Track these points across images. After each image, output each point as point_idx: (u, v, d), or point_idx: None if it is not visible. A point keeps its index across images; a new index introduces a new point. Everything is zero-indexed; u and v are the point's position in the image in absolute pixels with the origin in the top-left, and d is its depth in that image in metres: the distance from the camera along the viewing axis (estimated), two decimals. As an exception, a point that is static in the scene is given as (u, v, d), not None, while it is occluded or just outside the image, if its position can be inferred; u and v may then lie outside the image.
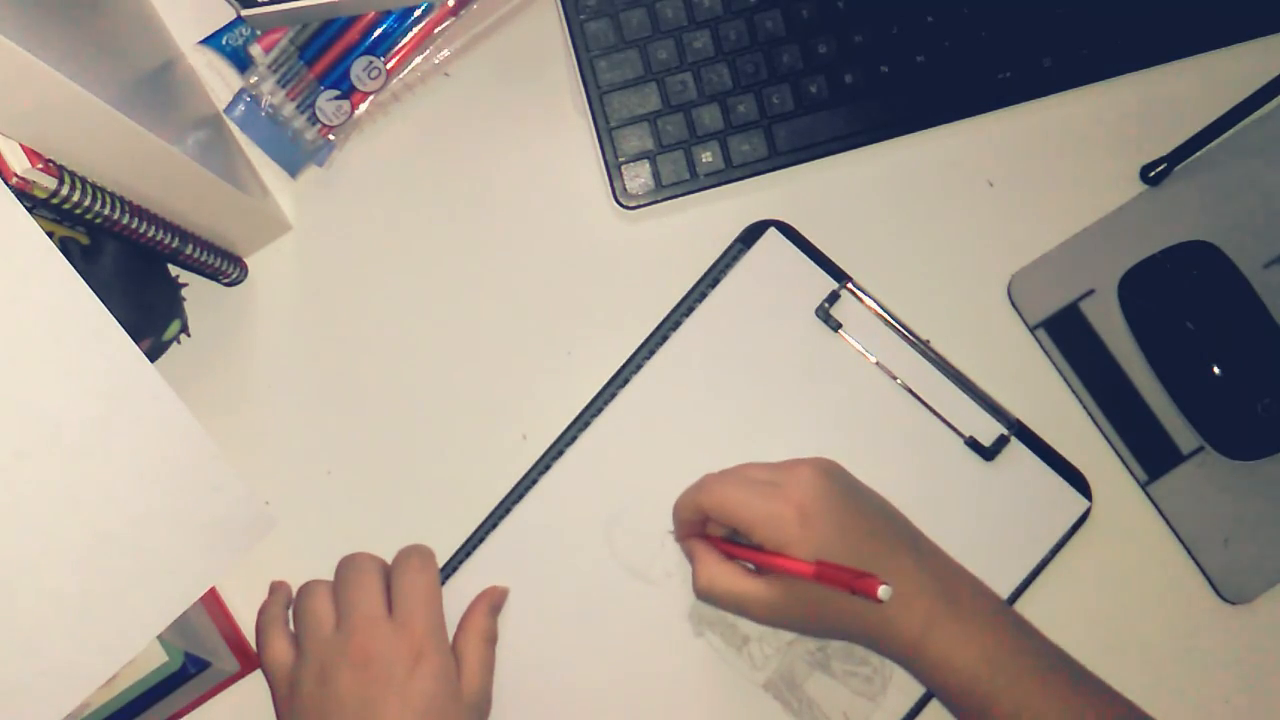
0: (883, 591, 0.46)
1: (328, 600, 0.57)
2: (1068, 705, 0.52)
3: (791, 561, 0.51)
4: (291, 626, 0.58)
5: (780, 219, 0.63)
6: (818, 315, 0.62)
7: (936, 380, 0.61)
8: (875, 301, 0.62)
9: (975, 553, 0.56)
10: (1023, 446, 0.60)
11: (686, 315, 0.62)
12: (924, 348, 0.61)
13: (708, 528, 0.57)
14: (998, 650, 0.52)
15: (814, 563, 0.50)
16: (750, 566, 0.55)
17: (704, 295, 0.62)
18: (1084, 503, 0.60)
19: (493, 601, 0.59)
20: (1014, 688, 0.52)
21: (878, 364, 0.61)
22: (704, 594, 0.55)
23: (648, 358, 0.62)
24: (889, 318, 0.61)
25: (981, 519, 0.60)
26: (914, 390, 0.61)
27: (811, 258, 0.62)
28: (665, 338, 0.62)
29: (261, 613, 0.59)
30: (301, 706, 0.55)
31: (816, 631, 0.57)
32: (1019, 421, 0.61)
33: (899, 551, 0.54)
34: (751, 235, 0.63)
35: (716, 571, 0.55)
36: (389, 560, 0.59)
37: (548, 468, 0.61)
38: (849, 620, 0.53)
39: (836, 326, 0.61)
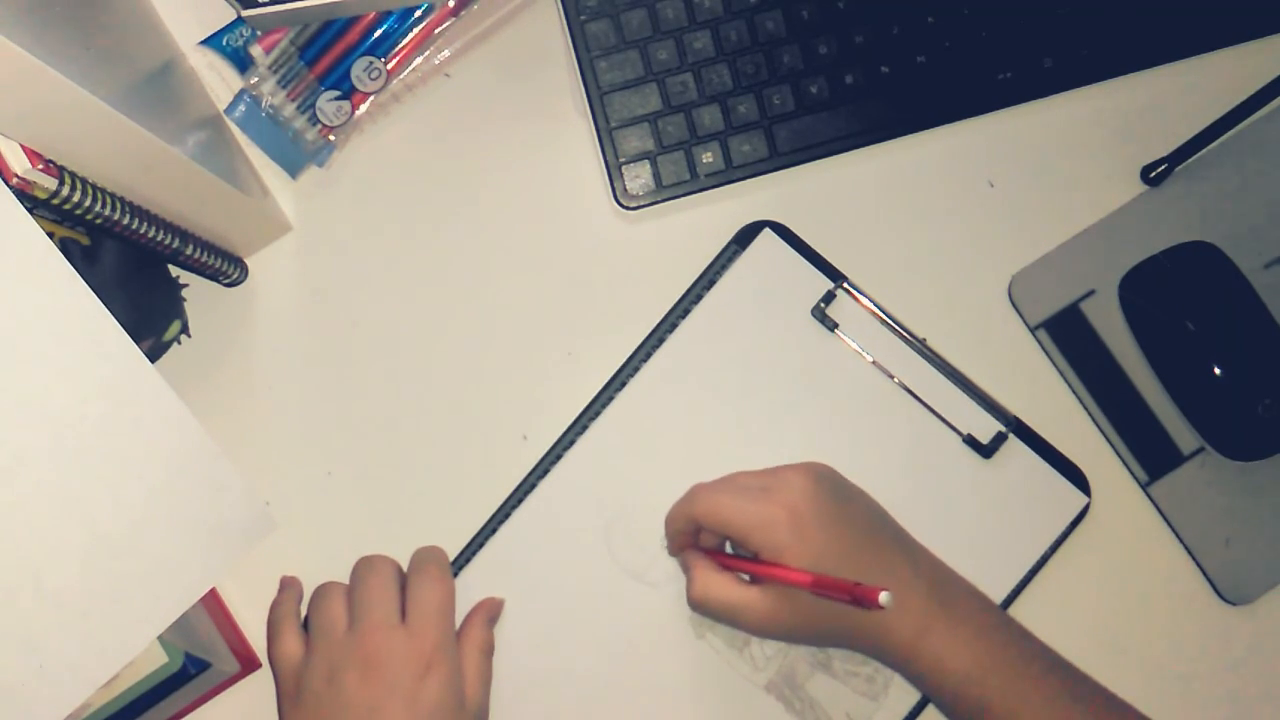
0: (884, 598, 0.46)
1: (342, 602, 0.57)
2: (1063, 709, 0.52)
3: (789, 571, 0.51)
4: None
5: (775, 219, 0.63)
6: (813, 315, 0.62)
7: (934, 378, 0.61)
8: (871, 300, 0.62)
9: (974, 550, 0.56)
10: (1021, 443, 0.60)
11: (682, 318, 0.62)
12: (921, 346, 0.61)
13: (700, 538, 0.57)
14: (993, 654, 0.52)
15: (811, 573, 0.50)
16: (745, 577, 0.55)
17: (699, 297, 0.62)
18: (1083, 498, 0.60)
19: (489, 613, 0.59)
20: (1009, 691, 0.52)
21: (874, 363, 0.61)
22: (698, 605, 0.55)
23: (644, 361, 0.62)
24: (885, 317, 0.61)
25: (980, 516, 0.60)
26: (911, 389, 0.61)
27: (807, 258, 0.62)
28: (661, 340, 0.62)
29: (274, 608, 0.59)
30: (306, 705, 0.55)
31: (811, 640, 0.57)
32: (1017, 419, 0.61)
33: (893, 555, 0.54)
34: (746, 236, 0.63)
35: (710, 581, 0.54)
36: (401, 558, 0.59)
37: (546, 472, 0.61)
38: (844, 627, 0.53)
39: (833, 326, 0.61)
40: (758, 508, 0.53)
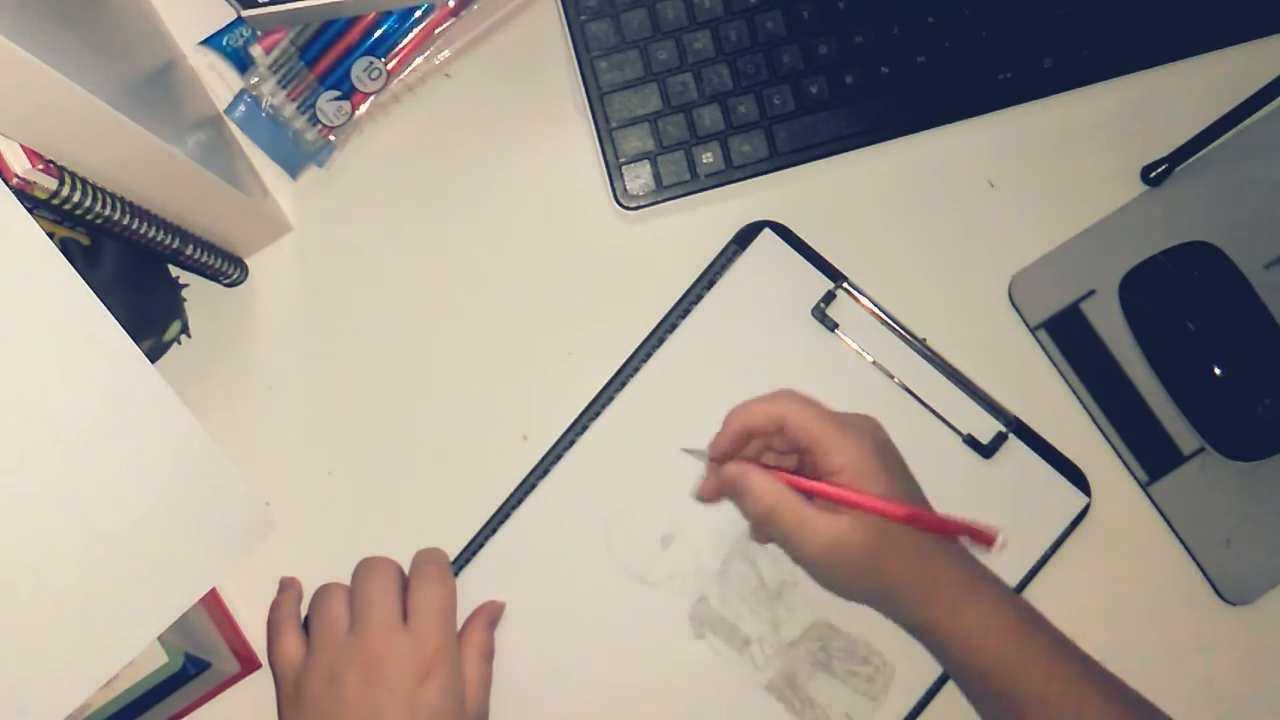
0: (1001, 539, 0.45)
1: (343, 603, 0.57)
2: (1089, 687, 0.52)
3: (881, 501, 0.50)
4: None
5: (775, 219, 0.63)
6: (814, 315, 0.62)
7: (934, 379, 0.61)
8: (871, 301, 0.62)
9: (975, 551, 0.56)
10: (1021, 444, 0.60)
11: (683, 318, 0.62)
12: (921, 346, 0.61)
13: (747, 450, 0.55)
14: (1021, 629, 0.53)
15: (908, 505, 0.49)
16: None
17: (700, 297, 0.62)
18: (1083, 499, 0.60)
19: (490, 616, 0.59)
20: (1034, 664, 0.52)
21: (874, 363, 0.61)
22: (763, 516, 0.52)
23: (644, 361, 0.62)
24: (885, 317, 0.61)
25: (981, 516, 0.59)
26: (911, 389, 0.61)
27: (807, 258, 0.62)
28: (662, 340, 0.62)
29: (274, 609, 0.59)
30: (306, 706, 0.55)
31: (852, 587, 0.54)
32: (1017, 419, 0.61)
33: None
34: (746, 236, 0.63)
35: (780, 494, 0.51)
36: (401, 557, 0.59)
37: (546, 472, 0.61)
38: (895, 579, 0.52)
39: (833, 326, 0.61)
40: (845, 431, 0.52)
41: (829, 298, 0.61)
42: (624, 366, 0.62)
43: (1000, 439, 0.60)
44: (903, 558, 0.52)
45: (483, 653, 0.58)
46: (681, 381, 0.62)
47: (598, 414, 0.61)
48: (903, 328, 0.61)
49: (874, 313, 0.62)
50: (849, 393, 0.61)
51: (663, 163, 0.63)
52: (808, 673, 0.59)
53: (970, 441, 0.60)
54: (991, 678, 0.52)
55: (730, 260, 0.63)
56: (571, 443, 0.61)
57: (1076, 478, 0.60)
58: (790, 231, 0.63)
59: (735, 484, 0.54)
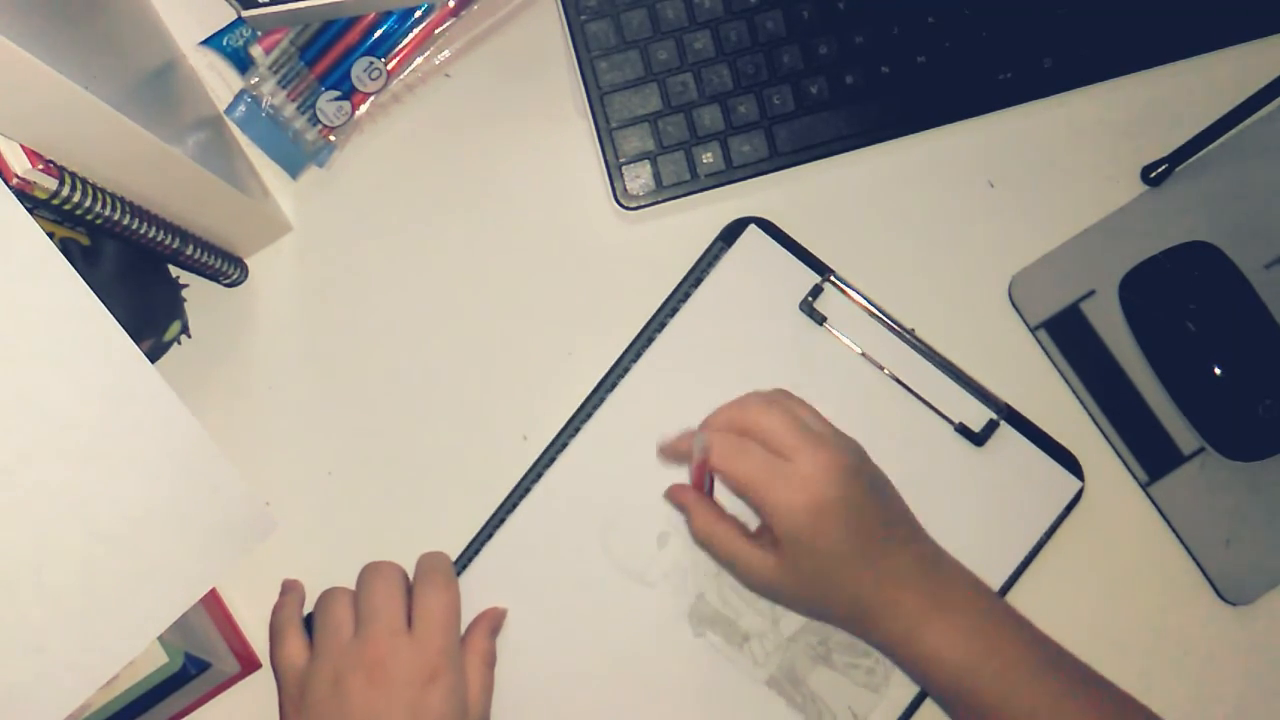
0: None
1: (348, 607, 0.57)
2: (1061, 699, 0.52)
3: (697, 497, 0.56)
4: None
5: (775, 220, 0.63)
6: (802, 309, 0.62)
7: (924, 369, 0.61)
8: (858, 293, 0.62)
9: (970, 539, 0.56)
10: (1013, 430, 0.61)
11: (671, 316, 0.62)
12: (910, 337, 0.61)
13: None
14: (988, 645, 0.52)
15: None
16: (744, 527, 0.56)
17: (688, 295, 0.62)
18: (1076, 483, 0.60)
19: (491, 623, 0.59)
20: (1002, 681, 0.52)
21: (863, 355, 0.61)
22: (700, 543, 0.56)
23: (634, 361, 0.62)
24: (873, 309, 0.61)
25: (975, 504, 0.60)
26: (901, 379, 0.61)
27: (794, 253, 0.62)
28: (651, 340, 0.62)
29: (276, 612, 0.59)
30: (310, 709, 0.55)
31: (815, 614, 0.57)
32: (1008, 406, 0.61)
33: (894, 550, 0.54)
34: (732, 233, 0.63)
35: (716, 529, 0.55)
36: (400, 558, 0.59)
37: (540, 475, 0.61)
38: (851, 604, 0.53)
39: (821, 320, 0.61)
40: (782, 486, 0.52)
41: (816, 291, 0.61)
42: (614, 367, 0.62)
43: (992, 426, 0.60)
44: (848, 588, 0.53)
45: (485, 659, 0.58)
46: (672, 379, 0.61)
47: (590, 415, 0.61)
48: (891, 319, 0.61)
49: (862, 305, 0.62)
50: (839, 385, 0.61)
51: (663, 163, 0.63)
52: (808, 667, 0.59)
53: (962, 430, 0.60)
54: (968, 696, 0.52)
55: (717, 257, 0.63)
56: (564, 445, 0.61)
57: (1069, 462, 0.60)
58: (776, 227, 0.63)
59: (680, 505, 0.58)
